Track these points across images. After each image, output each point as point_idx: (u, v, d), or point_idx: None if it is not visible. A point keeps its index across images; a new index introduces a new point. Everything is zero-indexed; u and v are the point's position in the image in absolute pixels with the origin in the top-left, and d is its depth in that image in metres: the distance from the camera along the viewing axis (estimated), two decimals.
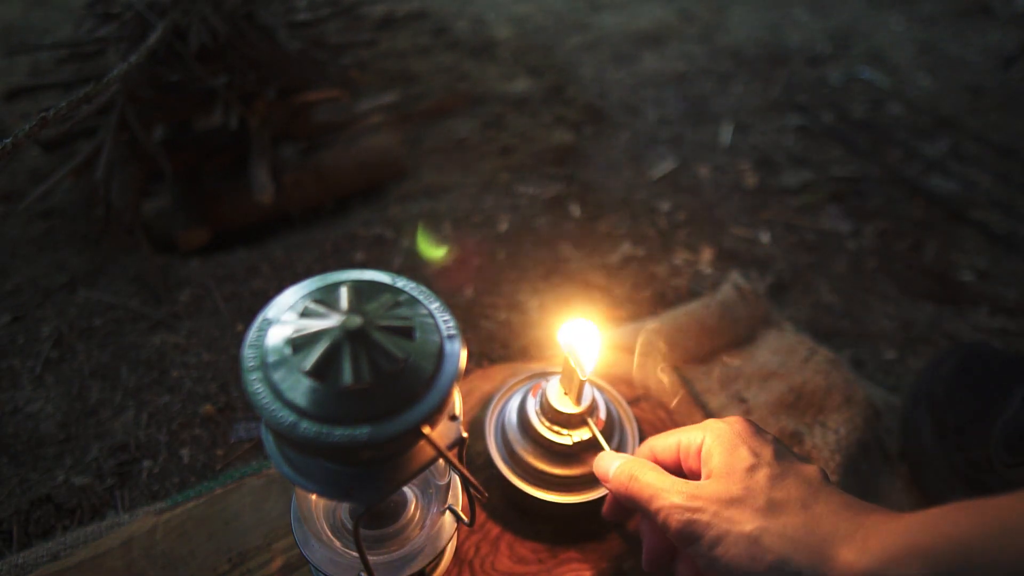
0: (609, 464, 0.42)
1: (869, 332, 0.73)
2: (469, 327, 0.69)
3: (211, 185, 0.85)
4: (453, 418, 0.34)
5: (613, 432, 0.50)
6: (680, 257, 0.81)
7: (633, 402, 0.57)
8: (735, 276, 0.70)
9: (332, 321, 0.29)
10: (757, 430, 0.40)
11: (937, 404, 0.57)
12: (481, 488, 0.36)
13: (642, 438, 0.51)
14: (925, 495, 0.56)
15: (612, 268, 0.77)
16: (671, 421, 0.56)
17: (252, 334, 0.30)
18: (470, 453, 0.53)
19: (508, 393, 0.52)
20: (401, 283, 0.33)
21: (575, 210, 0.86)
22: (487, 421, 0.52)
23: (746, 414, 0.58)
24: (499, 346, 0.67)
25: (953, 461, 0.54)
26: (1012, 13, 1.45)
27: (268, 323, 0.30)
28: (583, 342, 0.45)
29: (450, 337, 0.31)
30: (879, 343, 0.72)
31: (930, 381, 0.59)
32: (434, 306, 0.32)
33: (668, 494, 0.38)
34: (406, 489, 0.42)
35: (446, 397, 0.29)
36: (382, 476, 0.31)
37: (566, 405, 0.46)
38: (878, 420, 0.60)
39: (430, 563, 0.40)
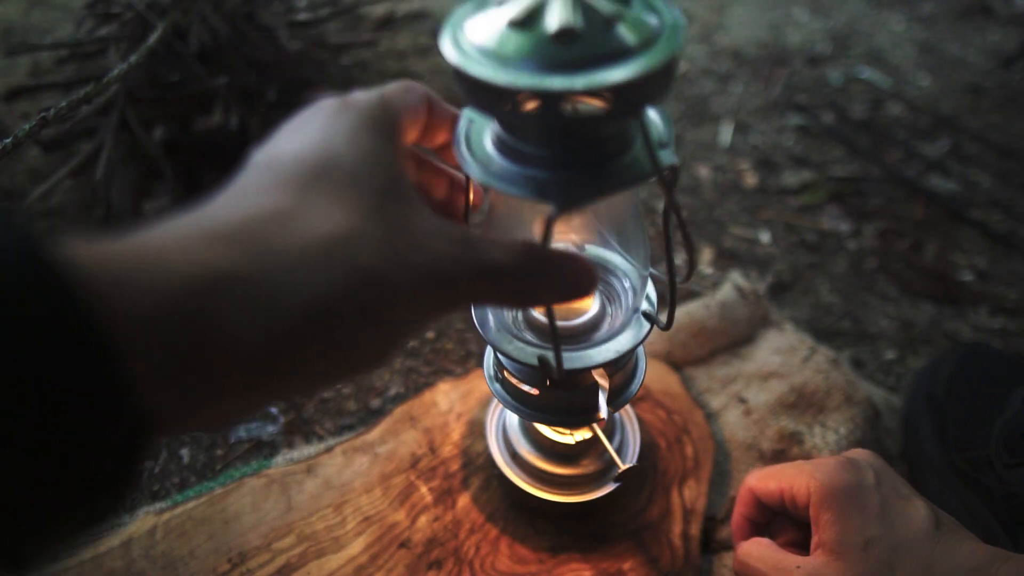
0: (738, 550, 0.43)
1: (869, 332, 0.73)
2: (470, 327, 0.69)
3: (211, 185, 0.85)
4: (662, 145, 0.29)
5: (614, 431, 0.50)
6: (680, 257, 0.81)
7: (633, 402, 0.57)
8: (735, 276, 0.70)
9: None
10: (860, 483, 0.39)
11: (937, 404, 0.57)
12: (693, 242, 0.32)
13: (642, 438, 0.51)
14: (925, 495, 0.56)
15: None
16: (670, 421, 0.56)
17: (454, 13, 0.27)
18: (470, 453, 0.53)
19: None
20: None
21: None
22: (488, 421, 0.52)
23: (746, 414, 0.58)
24: None
25: (953, 461, 0.54)
26: (1012, 13, 1.45)
27: (468, 4, 0.28)
28: None
29: (674, 17, 0.27)
30: (879, 343, 0.72)
31: (930, 381, 0.59)
32: None
33: None
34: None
35: (663, 66, 0.25)
36: (583, 182, 0.28)
37: None
38: (878, 420, 0.60)
39: (614, 360, 0.36)
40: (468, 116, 0.32)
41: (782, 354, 0.63)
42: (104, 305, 0.16)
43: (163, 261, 0.18)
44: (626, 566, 0.47)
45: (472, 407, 0.56)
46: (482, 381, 0.58)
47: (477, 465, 0.52)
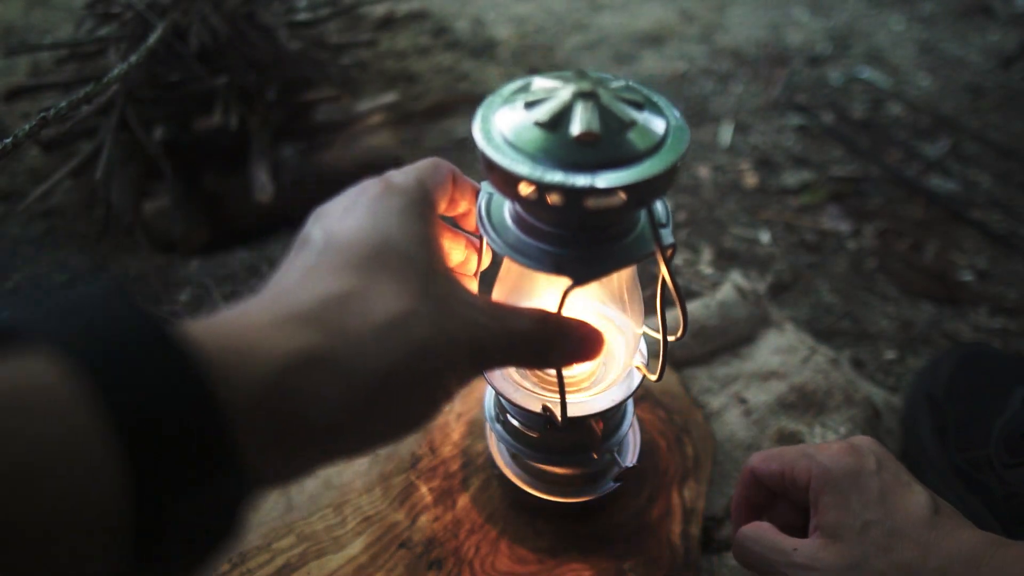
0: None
1: (869, 332, 0.73)
2: None
3: (211, 185, 0.85)
4: (662, 226, 0.33)
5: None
6: (680, 257, 0.81)
7: (634, 402, 0.57)
8: (735, 276, 0.70)
9: (563, 85, 0.30)
10: (861, 468, 0.40)
11: (937, 404, 0.57)
12: (684, 307, 0.36)
13: (643, 437, 0.51)
14: None
15: None
16: (670, 421, 0.56)
17: (484, 103, 0.31)
18: (470, 453, 0.53)
19: None
20: (631, 81, 0.33)
21: None
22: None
23: (746, 414, 0.58)
24: None
25: (953, 461, 0.54)
26: (1012, 13, 1.45)
27: (498, 97, 0.32)
28: None
29: (677, 119, 0.31)
30: (879, 343, 0.72)
31: (930, 381, 0.59)
32: (661, 98, 0.32)
33: (787, 565, 0.38)
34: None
35: (672, 167, 0.29)
36: (595, 258, 0.32)
37: None
38: (878, 420, 0.60)
39: (605, 412, 0.41)
40: (487, 190, 0.35)
41: (782, 354, 0.63)
42: (220, 386, 0.19)
43: (262, 345, 0.21)
44: (626, 566, 0.47)
45: (472, 407, 0.56)
46: (481, 381, 0.58)
47: (477, 465, 0.52)
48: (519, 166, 0.28)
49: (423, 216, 0.29)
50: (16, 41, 1.17)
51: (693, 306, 0.66)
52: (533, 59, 1.21)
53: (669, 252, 0.32)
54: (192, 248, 0.80)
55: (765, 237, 0.86)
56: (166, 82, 0.76)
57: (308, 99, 0.88)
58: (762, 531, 0.41)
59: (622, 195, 0.28)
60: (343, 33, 1.14)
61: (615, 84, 0.30)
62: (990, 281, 0.81)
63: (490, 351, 0.28)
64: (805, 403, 0.59)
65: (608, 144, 0.28)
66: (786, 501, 0.44)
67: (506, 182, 0.29)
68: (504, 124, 0.30)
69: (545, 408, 0.39)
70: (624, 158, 0.28)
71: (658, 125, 0.30)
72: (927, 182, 0.97)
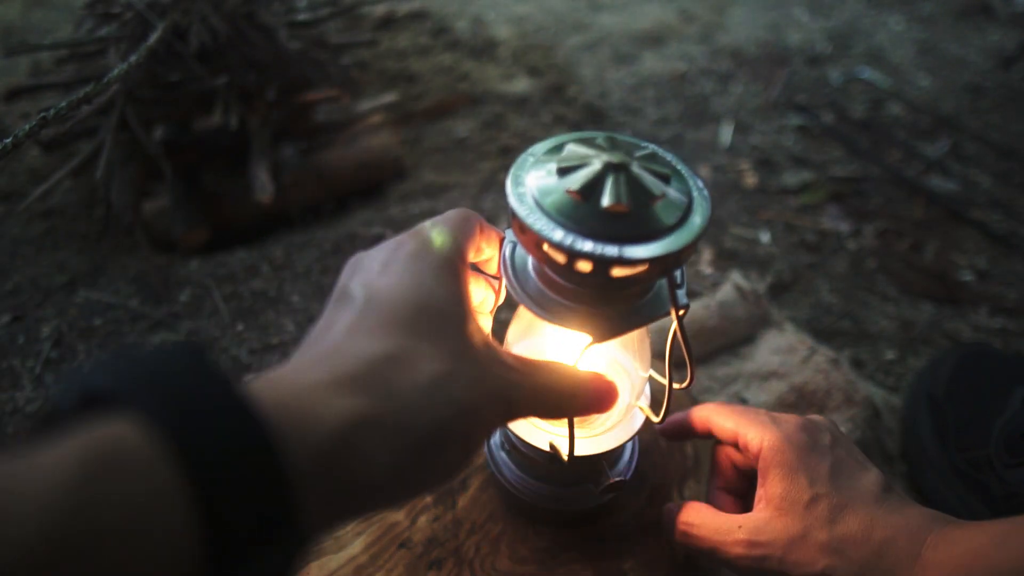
0: (667, 516, 0.43)
1: (869, 332, 0.73)
2: None
3: (211, 185, 0.85)
4: (678, 287, 0.35)
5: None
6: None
7: None
8: (735, 276, 0.70)
9: (596, 154, 0.31)
10: (814, 444, 0.40)
11: (937, 404, 0.57)
12: (692, 356, 0.38)
13: (642, 438, 0.51)
14: (925, 495, 0.57)
15: None
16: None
17: (517, 162, 0.33)
18: None
19: None
20: (652, 146, 0.35)
21: None
22: None
23: None
24: None
25: (953, 461, 0.54)
26: (1012, 13, 1.45)
27: (530, 157, 0.33)
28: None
29: (701, 191, 0.33)
30: (879, 343, 0.72)
31: (930, 381, 0.59)
32: (685, 168, 0.35)
33: (731, 544, 0.39)
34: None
35: (695, 240, 0.31)
36: (614, 316, 0.34)
37: None
38: (878, 420, 0.60)
39: (608, 453, 0.43)
40: (510, 240, 0.36)
41: (782, 354, 0.63)
42: (288, 456, 0.20)
43: (318, 410, 0.22)
44: (626, 566, 0.47)
45: None
46: None
47: (477, 465, 0.52)
48: (553, 232, 0.29)
49: (457, 272, 0.30)
50: (16, 41, 1.17)
51: (693, 306, 0.66)
52: (533, 59, 1.21)
53: (683, 312, 0.34)
54: (192, 248, 0.80)
55: (765, 237, 0.86)
56: (166, 82, 0.76)
57: (308, 99, 0.88)
58: (702, 513, 0.41)
59: (647, 265, 0.30)
60: (343, 33, 1.14)
61: (641, 153, 0.32)
62: (990, 281, 0.82)
63: (519, 406, 0.30)
64: (805, 403, 0.59)
65: (636, 216, 0.30)
66: (730, 462, 0.44)
67: (536, 244, 0.30)
68: (537, 187, 0.31)
69: (551, 446, 0.41)
70: (651, 231, 0.30)
71: (682, 197, 0.32)
72: (927, 182, 0.97)
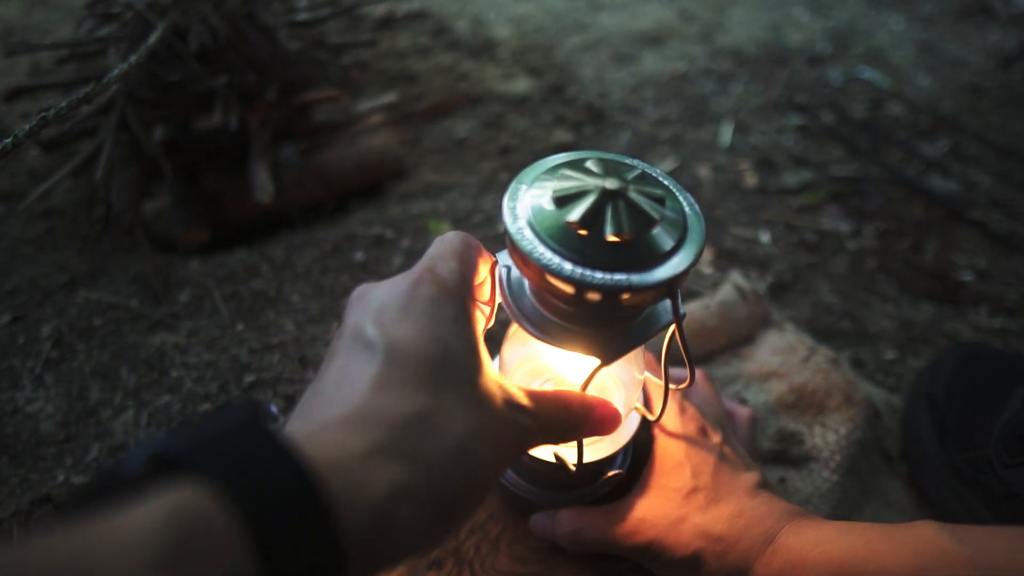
0: (545, 526, 0.45)
1: (869, 332, 0.73)
2: None
3: (211, 185, 0.85)
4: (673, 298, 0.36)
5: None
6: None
7: None
8: (735, 276, 0.70)
9: (591, 182, 0.32)
10: (705, 444, 0.44)
11: (937, 404, 0.57)
12: (692, 362, 0.39)
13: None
14: (925, 495, 0.56)
15: None
16: None
17: (509, 193, 0.33)
18: None
19: None
20: (639, 163, 0.36)
21: None
22: None
23: None
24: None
25: (953, 461, 0.54)
26: (1012, 13, 1.45)
27: (521, 185, 0.34)
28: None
29: (693, 208, 0.34)
30: (879, 343, 0.72)
31: (930, 381, 0.59)
32: (673, 184, 0.35)
33: (620, 534, 0.42)
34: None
35: (696, 260, 0.32)
36: (618, 336, 0.35)
37: None
38: (878, 420, 0.60)
39: (606, 458, 0.44)
40: (504, 264, 0.37)
41: (782, 354, 0.63)
42: (339, 528, 0.21)
43: (361, 481, 0.24)
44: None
45: None
46: None
47: None
48: (562, 266, 0.30)
49: (471, 319, 0.32)
50: (16, 41, 1.17)
51: (693, 306, 0.66)
52: (533, 59, 1.21)
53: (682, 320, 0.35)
54: (192, 248, 0.80)
55: (765, 237, 0.86)
56: (166, 82, 0.76)
57: (308, 99, 0.88)
58: (586, 519, 0.43)
59: (655, 290, 0.30)
60: (343, 33, 1.14)
61: (632, 175, 0.33)
62: (990, 281, 0.81)
63: (529, 444, 0.33)
64: (805, 403, 0.59)
65: (639, 243, 0.31)
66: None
67: (541, 276, 0.30)
68: (536, 220, 0.31)
69: (556, 456, 0.42)
70: (655, 256, 0.31)
71: (678, 217, 0.33)
72: (927, 182, 0.97)
